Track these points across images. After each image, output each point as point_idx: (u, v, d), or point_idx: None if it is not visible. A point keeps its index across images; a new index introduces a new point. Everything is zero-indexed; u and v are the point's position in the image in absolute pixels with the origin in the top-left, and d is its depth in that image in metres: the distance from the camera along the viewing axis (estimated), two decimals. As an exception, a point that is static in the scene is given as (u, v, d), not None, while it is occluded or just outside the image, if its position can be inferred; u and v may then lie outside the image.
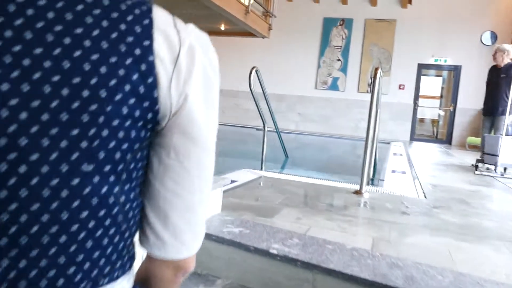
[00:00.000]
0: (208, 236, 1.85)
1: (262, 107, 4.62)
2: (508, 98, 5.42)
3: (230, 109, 12.08)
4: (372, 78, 3.11)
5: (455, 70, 10.70)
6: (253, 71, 4.06)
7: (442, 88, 13.93)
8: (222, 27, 9.03)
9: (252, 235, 1.92)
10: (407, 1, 10.53)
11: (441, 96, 14.01)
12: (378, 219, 2.53)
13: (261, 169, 4.20)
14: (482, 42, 10.34)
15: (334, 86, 11.28)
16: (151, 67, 0.46)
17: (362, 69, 11.08)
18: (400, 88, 10.86)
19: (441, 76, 13.47)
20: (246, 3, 7.97)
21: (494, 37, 10.26)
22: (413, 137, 10.97)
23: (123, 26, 0.46)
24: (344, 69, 11.20)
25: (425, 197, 3.37)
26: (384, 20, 10.87)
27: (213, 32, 10.00)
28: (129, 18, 0.47)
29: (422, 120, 14.56)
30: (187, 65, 0.50)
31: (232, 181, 3.21)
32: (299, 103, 11.51)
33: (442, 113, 13.26)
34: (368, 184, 3.61)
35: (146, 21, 0.48)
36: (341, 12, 11.16)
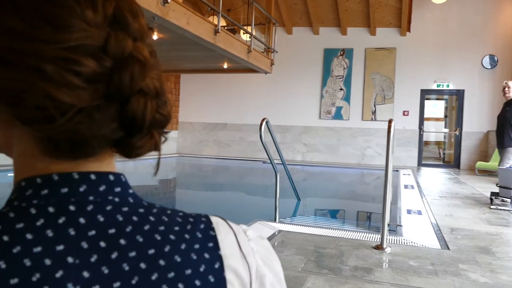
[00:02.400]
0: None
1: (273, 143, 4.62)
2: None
3: (236, 143, 12.10)
4: (387, 134, 3.09)
5: (458, 94, 10.75)
6: (264, 123, 4.06)
7: (446, 108, 13.98)
8: (225, 66, 9.14)
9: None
10: (406, 29, 10.68)
11: (446, 116, 14.05)
12: (406, 285, 2.46)
13: (275, 219, 4.14)
14: (483, 66, 10.42)
15: (338, 115, 11.32)
16: None
17: (365, 97, 11.14)
18: (404, 115, 10.88)
19: (443, 99, 13.53)
20: (248, 43, 8.09)
21: (494, 60, 10.34)
22: (421, 163, 10.92)
23: (198, 282, 0.43)
24: (347, 98, 11.26)
25: (447, 247, 3.30)
26: (384, 48, 11.00)
27: (216, 70, 10.13)
28: (202, 268, 0.45)
29: (427, 143, 14.55)
30: None
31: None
32: (305, 134, 11.53)
33: (446, 130, 13.25)
34: (387, 232, 3.55)
35: (217, 264, 0.46)
36: (341, 42, 11.31)
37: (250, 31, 8.20)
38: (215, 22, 6.67)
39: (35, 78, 0.35)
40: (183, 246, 0.43)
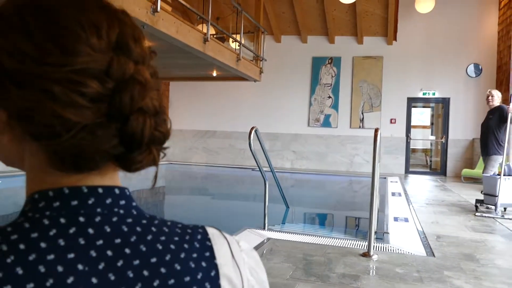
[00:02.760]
0: None
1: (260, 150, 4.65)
2: (497, 139, 5.63)
3: (225, 150, 12.11)
4: (373, 145, 3.15)
5: (444, 102, 10.93)
6: (253, 131, 4.10)
7: (432, 115, 14.20)
8: (215, 74, 9.18)
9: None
10: (392, 39, 10.86)
11: (432, 124, 14.26)
12: (392, 292, 2.50)
13: (264, 227, 4.16)
14: (467, 74, 10.63)
15: (326, 123, 11.42)
16: None
17: (353, 105, 11.27)
18: (391, 122, 11.03)
19: (429, 107, 13.74)
20: (237, 51, 8.15)
21: (478, 69, 10.56)
22: (408, 170, 11.05)
23: None
24: (335, 106, 11.37)
25: (433, 254, 3.36)
26: (371, 57, 11.16)
27: (205, 78, 10.16)
28: (199, 276, 0.48)
29: (414, 150, 14.73)
30: None
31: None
32: (294, 141, 11.60)
33: (432, 137, 13.44)
34: (374, 240, 3.59)
35: (213, 272, 0.49)
36: (329, 51, 11.45)
37: (239, 39, 8.26)
38: (205, 30, 6.71)
39: (44, 98, 0.38)
40: (182, 255, 0.46)
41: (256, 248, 3.41)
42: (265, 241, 3.66)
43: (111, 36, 0.42)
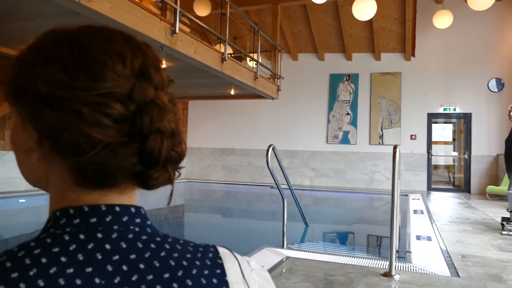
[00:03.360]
0: None
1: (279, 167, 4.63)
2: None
3: (244, 168, 12.12)
4: (393, 156, 3.10)
5: (466, 118, 10.73)
6: (270, 149, 4.10)
7: (454, 131, 13.92)
8: (232, 92, 9.27)
9: None
10: (410, 54, 10.80)
11: (454, 139, 13.97)
12: (415, 313, 2.42)
13: (283, 246, 4.11)
14: (489, 89, 10.44)
15: (345, 140, 11.33)
16: None
17: (372, 121, 11.17)
18: (412, 138, 10.86)
19: (450, 122, 13.50)
20: (255, 69, 8.23)
21: (501, 84, 10.36)
22: (430, 187, 10.81)
23: None
24: (354, 123, 11.30)
25: (458, 275, 3.24)
26: (389, 73, 11.10)
27: (223, 97, 10.27)
28: None
29: (436, 166, 14.43)
30: None
31: (257, 269, 3.13)
32: (312, 158, 11.53)
33: (455, 153, 13.14)
34: (396, 259, 3.50)
35: None
36: (346, 68, 11.45)
37: (256, 58, 8.36)
38: (222, 50, 6.82)
39: (72, 118, 0.42)
40: (194, 271, 0.48)
41: (275, 267, 3.37)
42: (284, 259, 3.61)
43: (135, 65, 0.46)
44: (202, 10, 8.52)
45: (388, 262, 3.34)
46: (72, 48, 0.46)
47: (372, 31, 10.46)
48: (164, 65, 6.33)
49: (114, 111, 0.43)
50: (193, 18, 6.21)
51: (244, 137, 12.12)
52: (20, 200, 6.39)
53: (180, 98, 10.97)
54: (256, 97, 9.68)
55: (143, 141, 0.44)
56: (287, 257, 3.68)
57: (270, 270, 3.25)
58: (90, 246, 0.43)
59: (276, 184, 4.36)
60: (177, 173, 0.50)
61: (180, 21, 5.38)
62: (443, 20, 8.91)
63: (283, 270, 3.32)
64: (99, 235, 0.44)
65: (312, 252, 4.04)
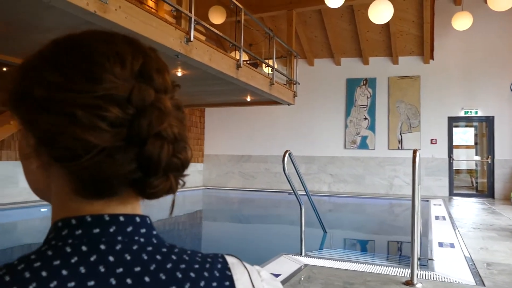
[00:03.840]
0: None
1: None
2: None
3: (261, 174, 12.09)
4: (412, 162, 3.02)
5: (488, 121, 10.46)
6: (287, 155, 4.06)
7: (476, 135, 13.59)
8: (248, 99, 9.28)
9: None
10: (429, 57, 10.62)
11: (476, 143, 13.64)
12: (439, 324, 2.33)
13: (301, 253, 4.05)
14: (512, 91, 10.16)
15: (363, 145, 11.18)
16: None
17: (391, 126, 11.00)
18: (432, 143, 10.64)
19: (472, 126, 13.20)
20: (270, 76, 8.22)
21: (524, 85, 10.07)
22: (452, 192, 10.54)
23: None
24: (372, 127, 11.15)
25: (483, 283, 3.12)
26: (407, 77, 10.94)
27: (240, 103, 10.29)
28: None
29: (458, 171, 14.10)
30: None
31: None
32: (330, 164, 11.42)
33: (477, 158, 12.81)
34: (417, 267, 3.40)
35: None
36: (363, 72, 11.33)
37: (271, 64, 8.35)
38: (237, 57, 6.83)
39: (67, 122, 0.41)
40: (202, 284, 0.46)
41: (293, 275, 3.31)
42: (302, 267, 3.55)
43: (135, 66, 0.44)
44: (217, 18, 8.57)
45: (409, 270, 3.24)
46: (70, 50, 0.45)
47: (389, 34, 10.34)
48: (179, 73, 6.42)
49: (110, 114, 0.41)
50: (208, 26, 6.25)
51: (261, 144, 12.10)
52: (42, 210, 6.50)
53: (197, 105, 11.05)
54: (272, 103, 9.66)
55: (142, 145, 0.42)
56: (305, 265, 3.62)
57: (288, 278, 3.19)
58: (92, 258, 0.41)
59: (293, 190, 4.31)
60: (180, 182, 0.47)
61: (195, 29, 5.42)
62: (462, 21, 8.74)
63: (301, 278, 3.26)
64: (102, 247, 0.42)
65: (331, 259, 3.97)
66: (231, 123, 12.43)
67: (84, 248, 0.41)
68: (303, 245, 4.10)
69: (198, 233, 6.77)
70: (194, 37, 5.26)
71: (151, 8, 6.40)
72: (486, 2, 7.74)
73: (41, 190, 0.49)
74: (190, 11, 5.26)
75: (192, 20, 5.24)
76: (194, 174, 12.33)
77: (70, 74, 0.42)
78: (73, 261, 0.40)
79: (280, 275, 3.20)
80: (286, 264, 3.62)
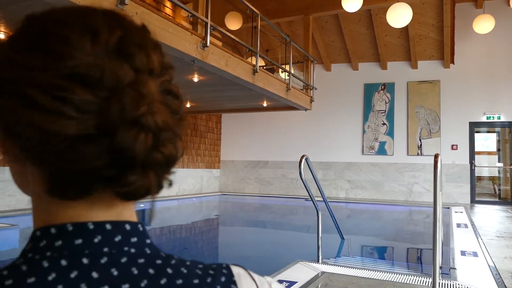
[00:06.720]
0: None
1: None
2: None
3: (278, 180, 12.02)
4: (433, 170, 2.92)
5: (511, 127, 10.17)
6: (303, 160, 4.00)
7: (498, 141, 13.23)
8: (265, 104, 9.25)
9: None
10: (449, 62, 10.41)
11: (499, 149, 13.27)
12: (463, 336, 2.23)
13: (318, 260, 3.97)
14: (536, 95, 9.86)
15: (382, 151, 11.01)
16: None
17: (410, 131, 10.80)
18: (453, 149, 10.40)
19: (494, 132, 12.87)
20: (287, 81, 8.18)
21: (549, 89, 9.77)
22: (474, 199, 10.26)
23: None
24: (390, 133, 10.97)
25: (509, 294, 2.99)
26: (427, 81, 10.75)
27: (256, 109, 10.27)
28: None
29: (480, 178, 13.73)
30: None
31: (289, 285, 3.02)
32: (347, 170, 11.27)
33: (500, 164, 12.45)
34: (439, 275, 3.28)
35: None
36: (382, 77, 11.19)
37: (288, 69, 8.31)
38: (254, 62, 6.82)
39: (21, 105, 0.34)
40: None
41: (309, 282, 3.24)
42: (319, 274, 3.47)
43: (110, 41, 0.37)
44: (234, 24, 8.60)
45: (431, 279, 3.13)
46: (34, 25, 0.38)
47: (408, 38, 10.18)
48: (196, 79, 6.44)
49: (76, 96, 0.34)
50: (224, 31, 6.26)
51: (277, 149, 12.03)
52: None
53: (213, 111, 11.07)
54: (289, 108, 9.60)
55: (113, 135, 0.35)
56: (322, 272, 3.54)
57: (305, 286, 3.12)
58: (73, 275, 0.35)
59: (310, 196, 4.24)
60: (165, 183, 0.40)
61: (212, 35, 5.43)
62: (484, 25, 8.54)
63: (318, 286, 3.18)
64: (85, 261, 0.36)
65: (349, 267, 3.88)
66: (248, 128, 12.42)
67: (63, 262, 0.36)
68: (320, 252, 4.02)
69: (215, 239, 6.74)
70: (210, 43, 5.27)
71: (168, 15, 6.46)
72: (509, 5, 7.55)
73: (26, 190, 0.42)
74: (206, 17, 5.27)
75: (208, 25, 5.26)
76: (211, 180, 12.34)
77: (27, 49, 0.36)
78: (50, 278, 0.35)
79: (296, 282, 3.13)
80: (303, 271, 3.55)
